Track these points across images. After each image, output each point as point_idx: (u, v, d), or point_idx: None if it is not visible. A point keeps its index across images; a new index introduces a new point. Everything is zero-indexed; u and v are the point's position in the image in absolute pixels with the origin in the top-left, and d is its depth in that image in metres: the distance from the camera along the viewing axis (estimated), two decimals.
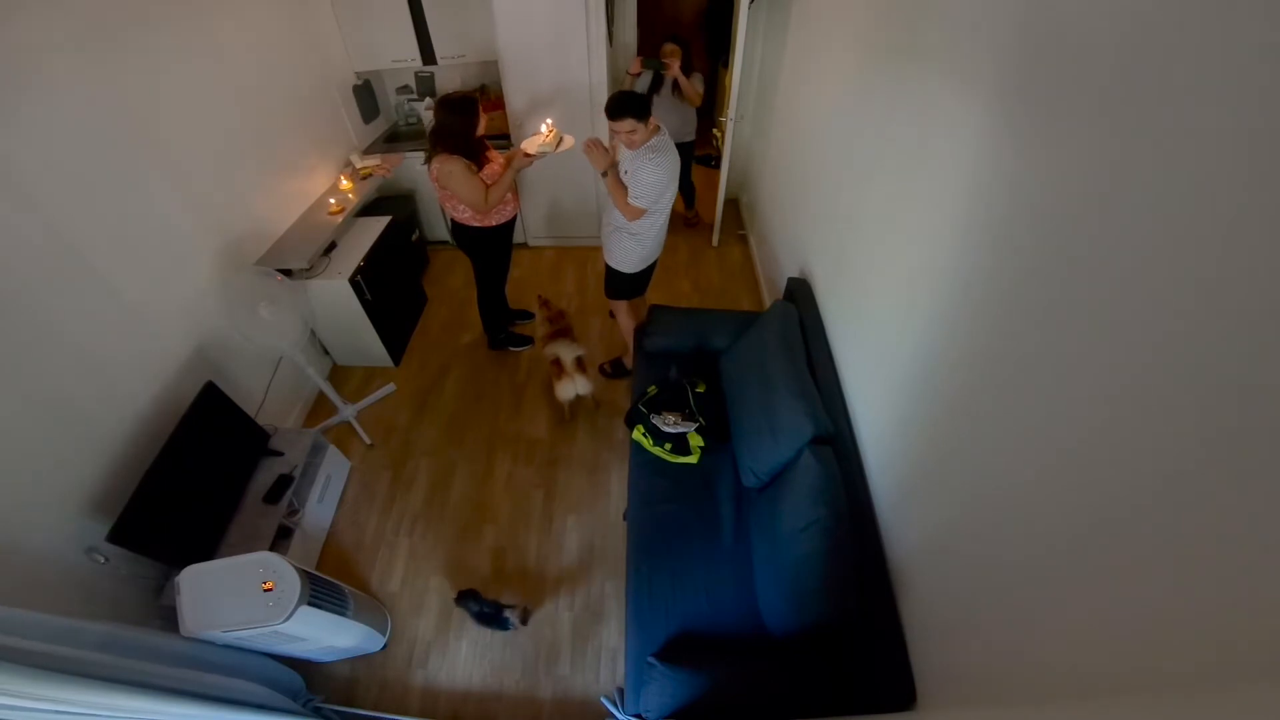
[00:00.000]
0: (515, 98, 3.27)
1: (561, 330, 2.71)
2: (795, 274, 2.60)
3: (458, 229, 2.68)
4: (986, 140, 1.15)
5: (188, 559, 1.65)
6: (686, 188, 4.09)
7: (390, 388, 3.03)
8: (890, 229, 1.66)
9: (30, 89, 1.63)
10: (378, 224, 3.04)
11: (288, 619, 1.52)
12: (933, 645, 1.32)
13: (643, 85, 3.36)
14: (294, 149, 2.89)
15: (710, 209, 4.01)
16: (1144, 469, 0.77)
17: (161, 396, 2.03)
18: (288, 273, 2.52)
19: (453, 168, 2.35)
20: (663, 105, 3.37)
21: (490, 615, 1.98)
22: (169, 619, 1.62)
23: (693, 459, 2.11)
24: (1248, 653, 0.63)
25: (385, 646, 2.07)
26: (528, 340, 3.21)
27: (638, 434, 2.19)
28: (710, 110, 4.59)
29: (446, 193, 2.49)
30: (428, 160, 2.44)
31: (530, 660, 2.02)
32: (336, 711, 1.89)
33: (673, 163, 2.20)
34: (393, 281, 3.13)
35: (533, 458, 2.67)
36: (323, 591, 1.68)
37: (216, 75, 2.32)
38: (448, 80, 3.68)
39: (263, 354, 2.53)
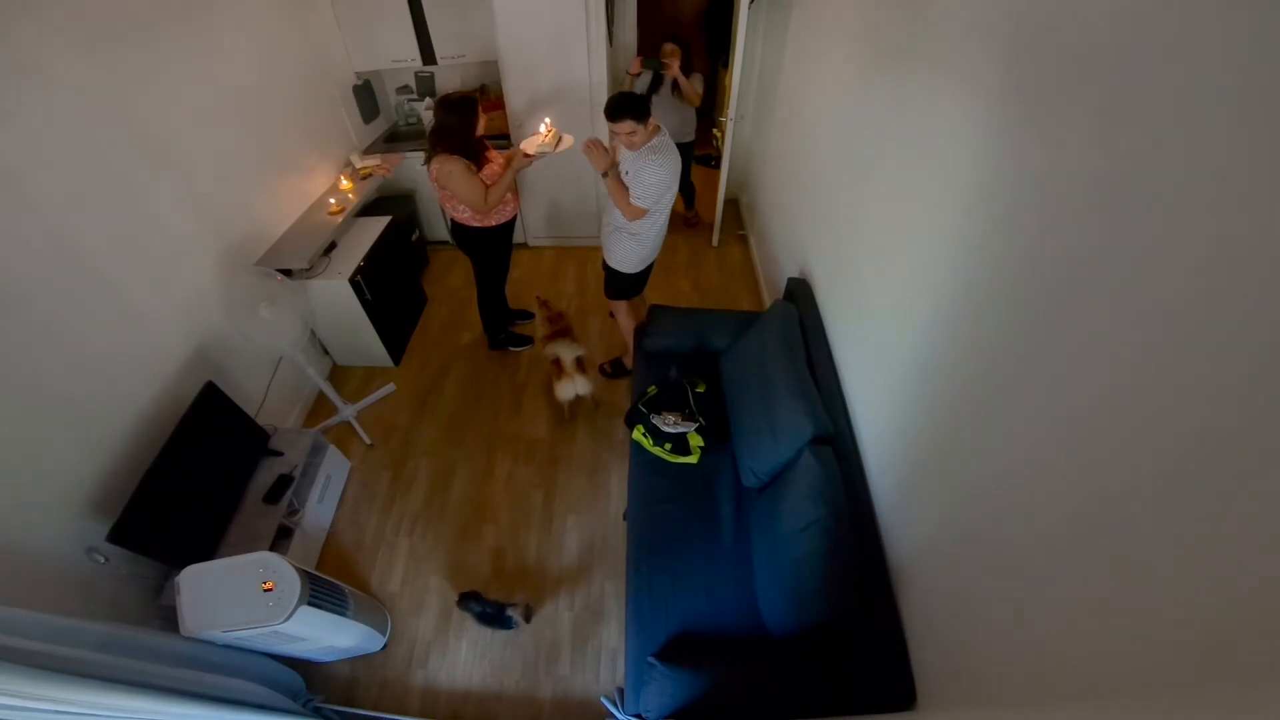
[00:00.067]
0: (515, 98, 3.27)
1: (561, 330, 2.71)
2: (795, 274, 2.60)
3: (458, 229, 2.68)
4: (986, 140, 1.15)
5: (188, 559, 1.65)
6: (686, 187, 4.09)
7: (390, 388, 3.03)
8: (890, 229, 1.66)
9: (31, 89, 1.63)
10: (378, 224, 3.04)
11: (288, 619, 1.52)
12: (933, 645, 1.32)
13: (642, 85, 3.36)
14: (294, 149, 2.88)
15: (710, 209, 4.01)
16: (1144, 469, 0.77)
17: (161, 396, 2.04)
18: (288, 273, 2.51)
19: (452, 168, 2.35)
20: (662, 105, 3.37)
21: (493, 615, 1.98)
22: (169, 619, 1.62)
23: (693, 459, 2.11)
24: (1248, 653, 0.63)
25: (385, 646, 2.07)
26: (528, 340, 3.21)
27: (638, 434, 2.19)
28: (710, 110, 4.59)
29: (446, 193, 2.48)
30: (427, 160, 2.44)
31: (530, 660, 2.02)
32: (336, 711, 1.89)
33: (674, 163, 2.20)
34: (393, 281, 3.13)
35: (533, 458, 2.67)
36: (323, 591, 1.68)
37: (216, 75, 2.32)
38: (448, 80, 3.68)
39: (263, 354, 2.53)
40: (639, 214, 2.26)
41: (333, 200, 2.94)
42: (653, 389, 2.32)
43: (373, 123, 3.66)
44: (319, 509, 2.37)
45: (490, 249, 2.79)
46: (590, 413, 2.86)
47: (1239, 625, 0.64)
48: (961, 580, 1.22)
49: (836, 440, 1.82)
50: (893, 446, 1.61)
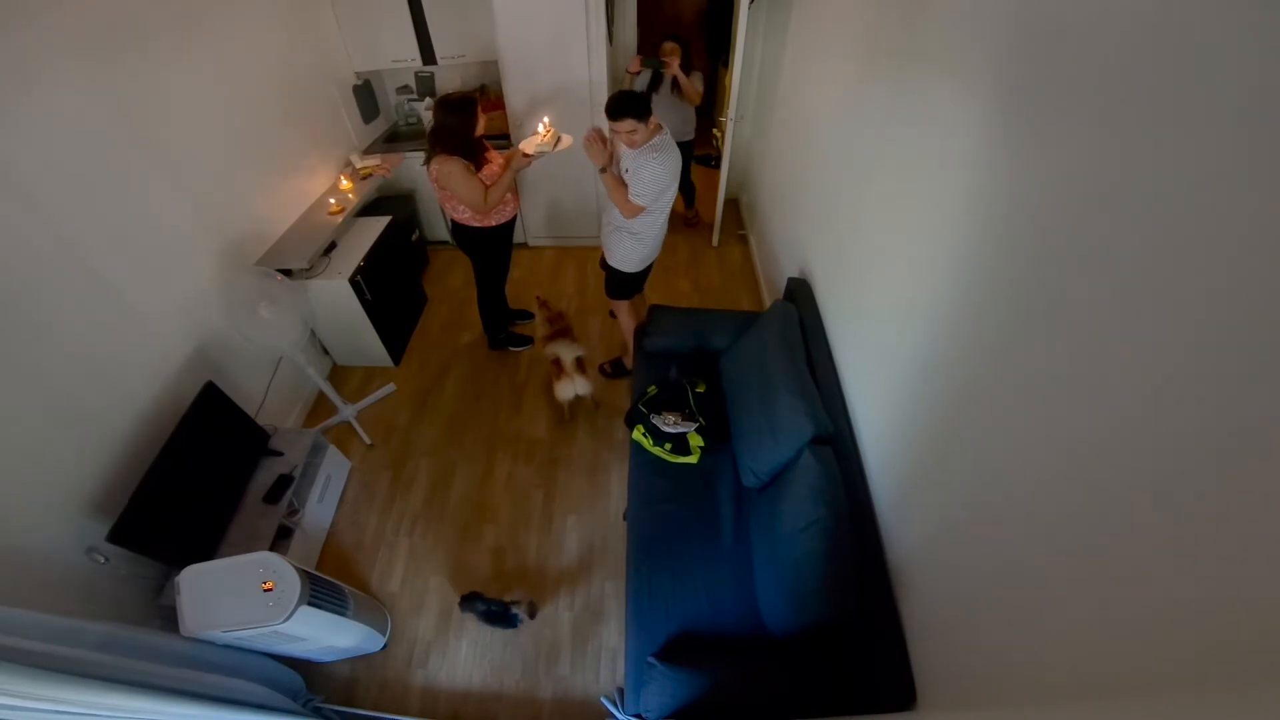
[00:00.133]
0: (515, 98, 3.27)
1: (562, 330, 2.71)
2: (795, 274, 2.60)
3: (458, 229, 2.68)
4: (986, 140, 1.15)
5: (188, 559, 1.65)
6: (686, 187, 4.09)
7: (390, 388, 3.03)
8: (890, 229, 1.66)
9: (31, 90, 1.63)
10: (378, 224, 3.04)
11: (288, 619, 1.52)
12: (933, 645, 1.32)
13: (642, 83, 3.36)
14: (294, 149, 2.88)
15: (710, 209, 4.01)
16: (1144, 468, 0.77)
17: (161, 396, 2.04)
18: (288, 273, 2.51)
19: (452, 168, 2.35)
20: (662, 104, 3.37)
21: (497, 614, 1.98)
22: (169, 619, 1.62)
23: (693, 459, 2.11)
24: (1248, 653, 0.63)
25: (385, 646, 2.07)
26: (528, 340, 3.21)
27: (638, 434, 2.19)
28: (710, 110, 4.59)
29: (446, 193, 2.48)
30: (427, 161, 2.44)
31: (530, 660, 2.02)
32: (336, 711, 1.89)
33: (674, 161, 2.20)
34: (393, 281, 3.13)
35: (533, 458, 2.67)
36: (323, 591, 1.68)
37: (216, 75, 2.32)
38: (448, 80, 3.68)
39: (263, 354, 2.53)
40: (636, 211, 2.26)
41: (333, 200, 2.94)
42: (653, 389, 2.32)
43: (373, 123, 3.66)
44: (319, 509, 2.37)
45: (490, 249, 2.79)
46: (590, 413, 2.86)
47: (1239, 625, 0.64)
48: (961, 580, 1.22)
49: (836, 440, 1.82)
50: (893, 446, 1.61)
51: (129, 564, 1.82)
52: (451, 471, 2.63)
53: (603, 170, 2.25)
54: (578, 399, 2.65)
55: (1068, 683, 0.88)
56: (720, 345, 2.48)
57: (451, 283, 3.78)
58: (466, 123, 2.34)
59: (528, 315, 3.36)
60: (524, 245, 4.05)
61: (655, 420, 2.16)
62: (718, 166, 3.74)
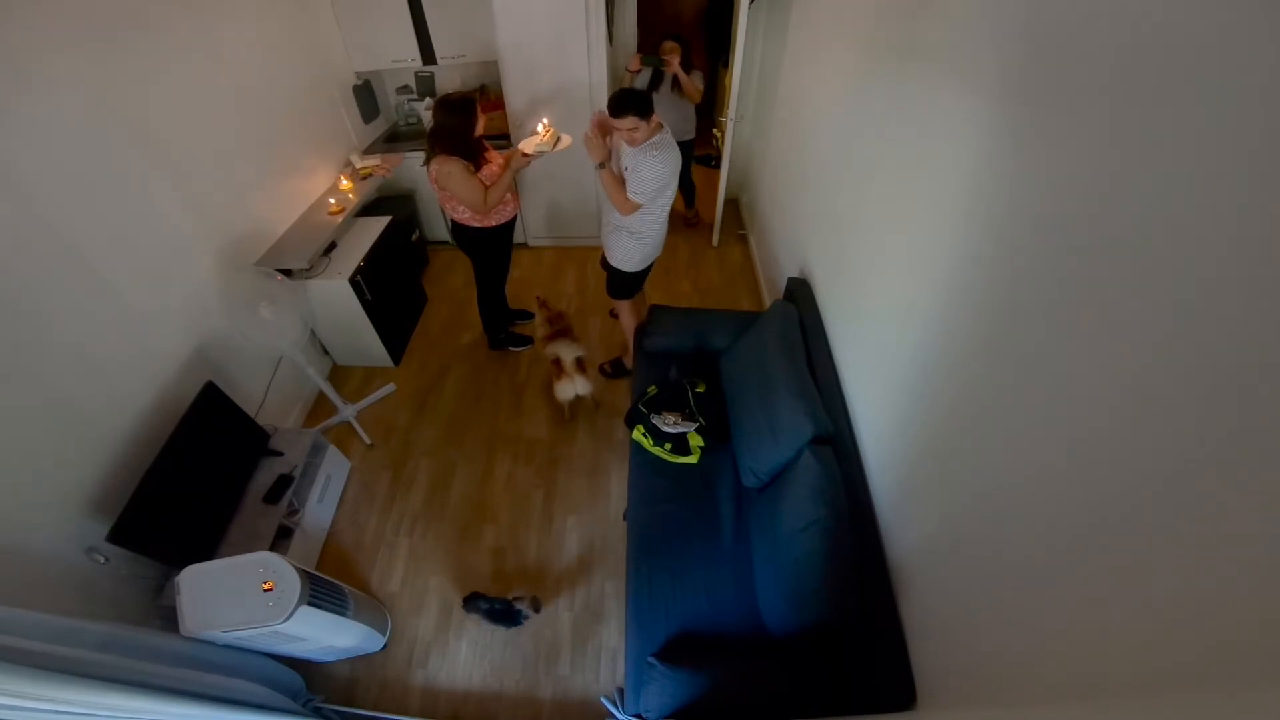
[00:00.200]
0: (515, 98, 3.27)
1: (562, 330, 2.71)
2: (795, 274, 2.60)
3: (458, 229, 2.68)
4: (986, 140, 1.15)
5: (188, 559, 1.65)
6: (686, 186, 4.09)
7: (390, 388, 3.03)
8: (890, 229, 1.66)
9: (31, 89, 1.63)
10: (378, 224, 3.04)
11: (288, 619, 1.52)
12: (933, 645, 1.32)
13: (642, 82, 3.36)
14: (294, 149, 2.89)
15: (710, 209, 4.01)
16: (1144, 468, 0.77)
17: (161, 396, 2.03)
18: (288, 273, 2.51)
19: (451, 169, 2.35)
20: (662, 103, 3.37)
21: (501, 612, 1.98)
22: (169, 619, 1.62)
23: (693, 459, 2.11)
24: (1248, 653, 0.63)
25: (385, 646, 2.07)
26: (528, 340, 3.21)
27: (638, 434, 2.19)
28: (710, 110, 4.59)
29: (446, 194, 2.48)
30: (427, 161, 2.44)
31: (530, 660, 2.02)
32: (336, 711, 1.89)
33: (674, 160, 2.20)
34: (393, 281, 3.13)
35: (533, 458, 2.67)
36: (323, 591, 1.68)
37: (216, 75, 2.32)
38: (448, 80, 3.68)
39: (263, 354, 2.53)
40: (633, 208, 2.26)
41: (333, 200, 2.94)
42: (653, 389, 2.32)
43: (373, 123, 3.66)
44: (319, 509, 2.37)
45: (490, 249, 2.79)
46: (590, 413, 2.86)
47: (1239, 625, 0.64)
48: (961, 580, 1.22)
49: (836, 440, 1.82)
50: (893, 446, 1.61)
51: (129, 564, 1.82)
52: (451, 471, 2.63)
53: (600, 166, 2.25)
54: (578, 399, 2.65)
55: (1068, 683, 0.88)
56: (720, 345, 2.48)
57: (451, 283, 3.78)
58: (466, 123, 2.34)
59: (528, 315, 3.36)
60: (524, 245, 4.05)
61: (655, 420, 2.16)
62: (718, 166, 3.74)
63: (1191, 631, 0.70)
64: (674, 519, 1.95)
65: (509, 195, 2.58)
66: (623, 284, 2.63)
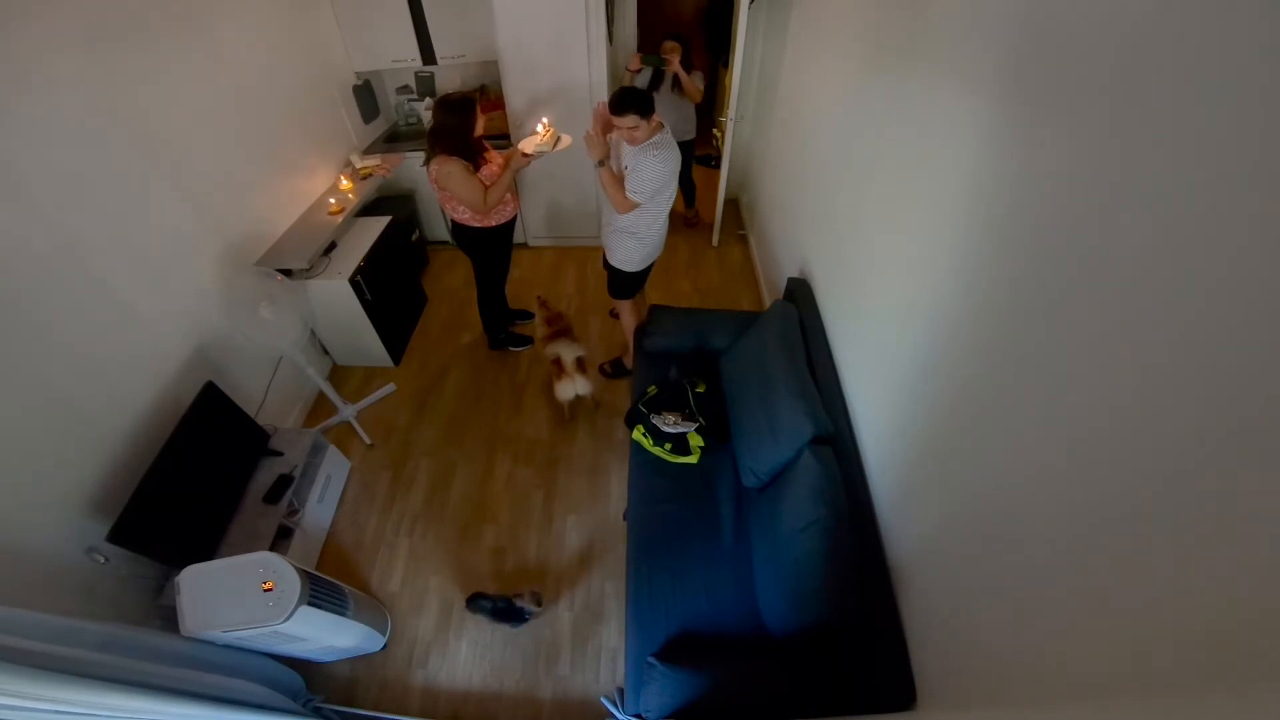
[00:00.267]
0: (515, 98, 3.27)
1: (562, 330, 2.71)
2: (795, 274, 2.60)
3: (458, 229, 2.68)
4: (986, 140, 1.15)
5: (188, 559, 1.65)
6: (687, 186, 4.09)
7: (390, 388, 3.03)
8: (890, 229, 1.66)
9: (31, 90, 1.63)
10: (378, 224, 3.04)
11: (288, 619, 1.52)
12: (933, 645, 1.32)
13: (642, 82, 3.36)
14: (294, 149, 2.88)
15: (710, 209, 4.01)
16: (1144, 468, 0.77)
17: (161, 396, 2.04)
18: (288, 273, 2.51)
19: (451, 169, 2.35)
20: (663, 102, 3.36)
21: (505, 609, 1.98)
22: (169, 619, 1.62)
23: (693, 459, 2.11)
24: (1248, 653, 0.63)
25: (385, 646, 2.07)
26: (528, 340, 3.21)
27: (638, 434, 2.19)
28: (710, 110, 4.59)
29: (446, 194, 2.48)
30: (427, 161, 2.44)
31: (530, 660, 2.02)
32: (336, 711, 1.89)
33: (674, 160, 2.20)
34: (393, 281, 3.13)
35: (533, 458, 2.67)
36: (323, 591, 1.68)
37: (216, 75, 2.32)
38: (448, 80, 3.68)
39: (263, 354, 2.53)
40: (630, 207, 2.26)
41: (333, 200, 2.94)
42: (653, 389, 2.32)
43: (373, 123, 3.66)
44: (319, 509, 2.37)
45: (490, 249, 2.79)
46: (590, 413, 2.86)
47: (1239, 625, 0.64)
48: (961, 580, 1.22)
49: (836, 440, 1.82)
50: (893, 446, 1.61)
51: (129, 564, 1.82)
52: (451, 471, 2.63)
53: (600, 163, 2.25)
54: (578, 399, 2.65)
55: (1068, 683, 0.88)
56: (720, 345, 2.48)
57: (451, 283, 3.78)
58: (465, 123, 2.34)
59: (528, 315, 3.36)
60: (524, 245, 4.05)
61: (655, 420, 2.16)
62: (718, 166, 3.74)
63: (1192, 632, 0.70)
64: (674, 519, 1.95)
65: (509, 195, 2.58)
66: (623, 284, 2.63)
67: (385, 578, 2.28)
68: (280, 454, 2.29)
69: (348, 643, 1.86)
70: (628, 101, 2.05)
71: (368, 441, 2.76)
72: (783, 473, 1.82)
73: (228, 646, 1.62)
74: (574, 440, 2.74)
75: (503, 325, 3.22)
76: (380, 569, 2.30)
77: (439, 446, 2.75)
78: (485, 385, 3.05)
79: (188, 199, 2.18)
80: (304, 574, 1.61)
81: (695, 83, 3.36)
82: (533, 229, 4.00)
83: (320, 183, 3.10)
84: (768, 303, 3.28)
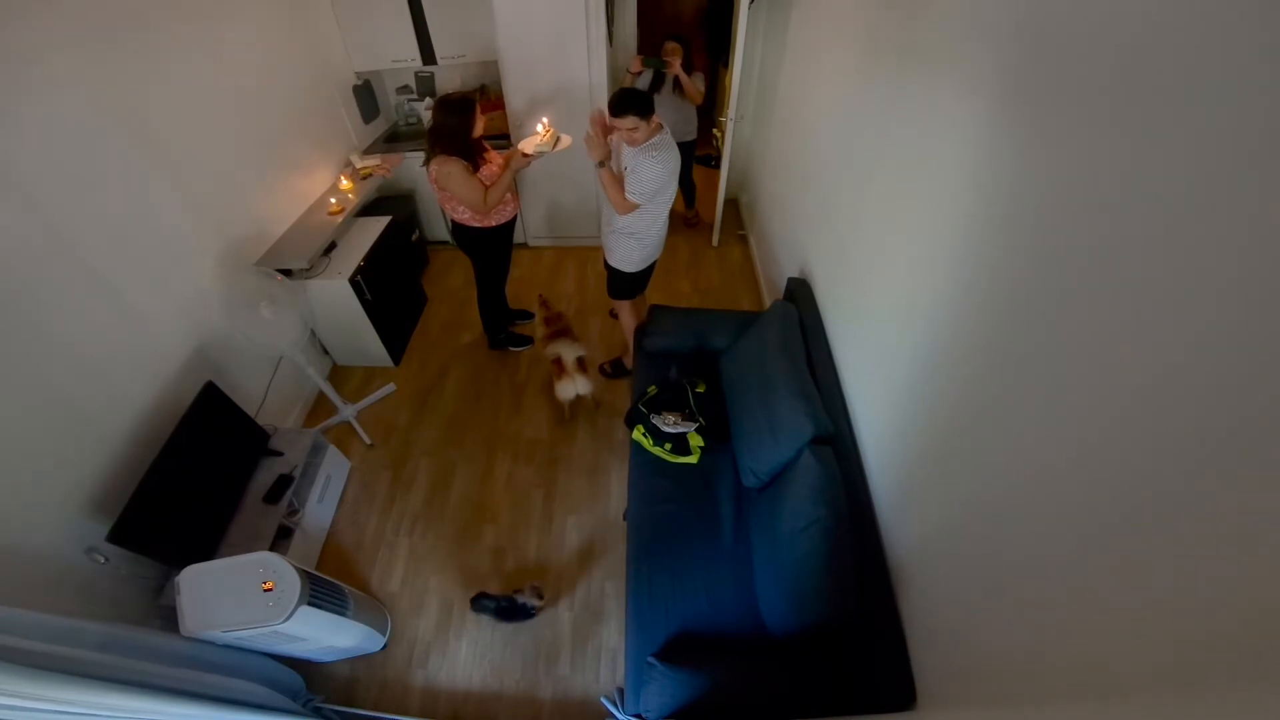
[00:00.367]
0: (515, 98, 3.27)
1: (562, 330, 2.71)
2: (795, 274, 2.60)
3: (458, 229, 2.68)
4: (987, 140, 1.15)
5: (188, 559, 1.65)
6: (687, 186, 4.09)
7: (390, 388, 3.03)
8: (890, 229, 1.66)
9: (31, 89, 1.63)
10: (378, 224, 3.04)
11: (288, 619, 1.52)
12: (933, 645, 1.32)
13: (643, 84, 3.36)
14: (294, 149, 2.88)
15: (710, 209, 4.01)
16: (1144, 468, 0.77)
17: (161, 396, 2.03)
18: (288, 273, 2.52)
19: (451, 169, 2.35)
20: (664, 104, 3.37)
21: (508, 607, 1.99)
22: (169, 619, 1.62)
23: (693, 459, 2.11)
24: (1247, 653, 0.63)
25: (385, 646, 2.07)
26: (528, 340, 3.21)
27: (638, 434, 2.19)
28: (710, 110, 4.58)
29: (446, 194, 2.48)
30: (427, 162, 2.44)
31: (530, 660, 2.02)
32: (336, 711, 1.89)
33: (673, 160, 2.20)
34: (393, 281, 3.13)
35: (533, 458, 2.67)
36: (323, 591, 1.68)
37: (216, 75, 2.32)
38: (448, 80, 3.68)
39: (263, 354, 2.53)
40: (630, 208, 2.26)
41: (333, 200, 2.94)
42: (653, 389, 2.32)
43: (373, 123, 3.66)
44: (319, 509, 2.37)
45: (490, 249, 2.79)
46: (590, 413, 2.86)
47: (1239, 625, 0.64)
48: (962, 580, 1.22)
49: (836, 440, 1.82)
50: (893, 446, 1.61)
51: (129, 564, 1.82)
52: (451, 471, 2.63)
53: (600, 164, 2.25)
54: (578, 399, 2.65)
55: (1068, 683, 0.88)
56: (720, 345, 2.48)
57: (451, 283, 3.78)
58: (465, 123, 2.34)
59: (528, 315, 3.36)
60: (524, 245, 4.05)
61: (655, 420, 2.16)
62: (718, 166, 3.74)
63: (1192, 631, 0.70)
64: (674, 519, 1.95)
65: (509, 195, 2.58)
66: (623, 284, 2.63)
67: (385, 578, 2.28)
68: (280, 454, 2.29)
69: (348, 643, 1.86)
70: (627, 103, 2.05)
71: (368, 441, 2.76)
72: (783, 473, 1.82)
73: (228, 646, 1.62)
74: (574, 440, 2.74)
75: (503, 325, 3.22)
76: (380, 569, 2.30)
77: (439, 446, 2.75)
78: (485, 385, 3.05)
79: (188, 199, 2.18)
80: (304, 574, 1.61)
81: (696, 84, 3.36)
82: (533, 229, 4.00)
83: (320, 183, 3.10)
84: (768, 303, 3.28)
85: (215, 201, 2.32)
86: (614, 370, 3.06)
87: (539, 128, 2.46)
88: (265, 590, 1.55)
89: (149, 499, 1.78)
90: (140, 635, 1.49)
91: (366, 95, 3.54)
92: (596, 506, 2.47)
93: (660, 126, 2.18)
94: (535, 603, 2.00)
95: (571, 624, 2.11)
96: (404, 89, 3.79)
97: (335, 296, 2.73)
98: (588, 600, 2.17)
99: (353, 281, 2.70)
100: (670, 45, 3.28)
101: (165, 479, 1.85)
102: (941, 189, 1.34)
